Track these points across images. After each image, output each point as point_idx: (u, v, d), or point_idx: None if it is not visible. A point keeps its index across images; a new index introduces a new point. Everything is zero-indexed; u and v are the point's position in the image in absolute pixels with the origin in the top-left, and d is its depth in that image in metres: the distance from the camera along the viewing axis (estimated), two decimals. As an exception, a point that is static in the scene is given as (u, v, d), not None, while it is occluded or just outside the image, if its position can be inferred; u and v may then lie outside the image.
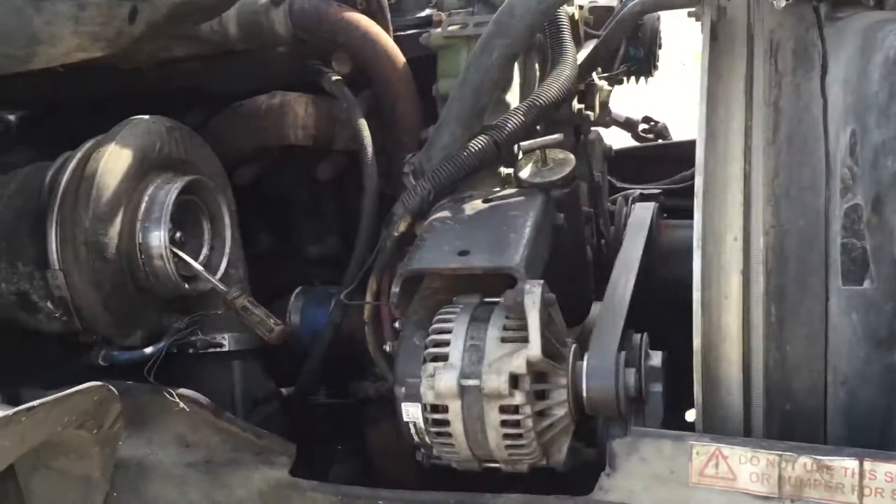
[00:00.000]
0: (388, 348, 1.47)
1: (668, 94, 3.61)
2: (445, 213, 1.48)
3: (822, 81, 1.31)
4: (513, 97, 1.74)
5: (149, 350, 1.61)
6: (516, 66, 1.74)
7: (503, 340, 1.29)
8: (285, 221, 2.15)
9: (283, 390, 1.82)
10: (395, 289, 1.36)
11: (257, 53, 1.87)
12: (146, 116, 1.66)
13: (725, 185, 1.31)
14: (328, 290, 1.88)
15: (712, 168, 1.31)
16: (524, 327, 1.26)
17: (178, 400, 1.47)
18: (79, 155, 1.60)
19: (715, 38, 1.36)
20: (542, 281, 1.27)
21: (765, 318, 1.28)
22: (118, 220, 1.56)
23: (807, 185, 1.28)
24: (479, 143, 1.54)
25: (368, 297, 1.57)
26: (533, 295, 1.25)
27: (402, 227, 1.53)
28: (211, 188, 1.73)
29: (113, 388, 1.28)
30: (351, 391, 1.82)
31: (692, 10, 1.41)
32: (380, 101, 1.81)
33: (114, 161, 1.56)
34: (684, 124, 2.63)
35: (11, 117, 2.11)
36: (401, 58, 1.78)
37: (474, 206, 1.50)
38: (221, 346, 1.75)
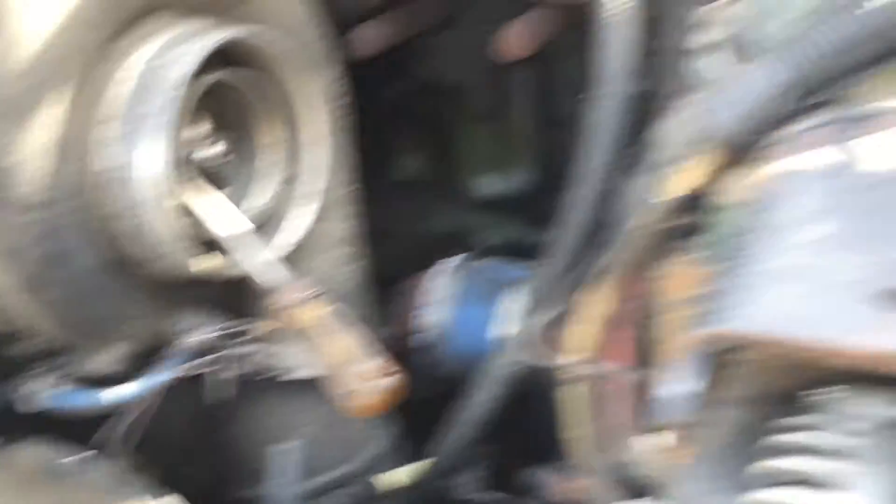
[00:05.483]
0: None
1: None
2: (824, 162, 0.52)
3: None
4: None
5: (109, 395, 0.78)
6: None
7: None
8: (446, 135, 1.25)
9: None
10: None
11: None
12: None
13: None
14: (510, 269, 1.02)
15: None
16: None
17: None
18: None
19: None
20: None
21: None
22: (43, 119, 0.71)
23: None
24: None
25: (587, 331, 0.68)
26: None
27: (696, 175, 0.62)
28: (280, 60, 0.84)
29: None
30: (518, 484, 0.96)
31: None
32: None
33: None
34: None
35: None
36: None
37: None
38: (285, 372, 0.90)
